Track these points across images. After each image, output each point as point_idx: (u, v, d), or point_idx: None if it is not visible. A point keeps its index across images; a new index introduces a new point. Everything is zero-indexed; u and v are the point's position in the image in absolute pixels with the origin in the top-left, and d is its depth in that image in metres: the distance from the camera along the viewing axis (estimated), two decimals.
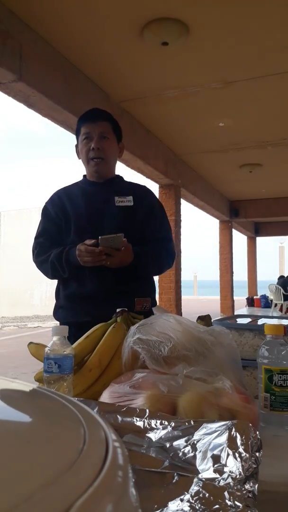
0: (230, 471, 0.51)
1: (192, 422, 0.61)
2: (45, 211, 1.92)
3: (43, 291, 18.11)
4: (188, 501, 0.48)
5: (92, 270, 1.74)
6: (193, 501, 0.48)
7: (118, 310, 1.18)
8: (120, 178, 1.96)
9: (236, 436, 0.55)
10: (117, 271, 1.73)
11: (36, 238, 1.89)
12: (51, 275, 1.85)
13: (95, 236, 1.68)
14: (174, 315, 1.01)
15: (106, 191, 1.85)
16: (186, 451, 0.58)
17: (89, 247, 1.66)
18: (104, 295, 1.73)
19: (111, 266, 1.68)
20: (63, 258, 1.74)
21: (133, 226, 1.80)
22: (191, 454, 0.57)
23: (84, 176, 1.95)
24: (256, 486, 0.50)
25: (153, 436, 0.62)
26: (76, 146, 1.89)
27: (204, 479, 0.51)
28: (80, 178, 1.97)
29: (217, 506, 0.46)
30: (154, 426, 0.63)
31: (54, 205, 1.89)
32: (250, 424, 0.57)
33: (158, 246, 1.84)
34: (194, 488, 0.50)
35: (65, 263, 1.74)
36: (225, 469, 0.52)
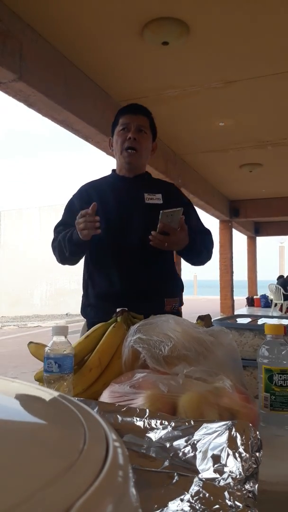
0: (230, 471, 0.51)
1: (192, 422, 0.61)
2: (70, 205, 1.87)
3: (43, 291, 18.11)
4: (188, 501, 0.48)
5: (122, 270, 1.74)
6: (193, 501, 0.48)
7: (118, 310, 1.18)
8: (148, 175, 1.93)
9: (236, 436, 0.55)
10: (148, 271, 1.73)
11: (55, 228, 1.85)
12: (58, 258, 1.80)
13: (123, 233, 1.70)
14: (174, 316, 1.01)
15: (135, 187, 1.82)
16: (186, 451, 0.58)
17: (84, 211, 1.58)
18: (134, 295, 1.70)
19: (168, 248, 1.65)
20: (67, 234, 1.70)
21: None
22: (191, 454, 0.57)
23: (113, 170, 1.91)
24: (256, 486, 0.50)
25: (153, 436, 0.62)
26: (110, 139, 1.89)
27: (204, 479, 0.51)
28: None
29: (217, 506, 0.46)
30: (154, 426, 0.63)
31: (81, 199, 1.84)
32: (250, 424, 0.57)
33: (203, 237, 1.83)
34: (194, 488, 0.50)
35: (67, 239, 1.69)
36: (225, 469, 0.52)
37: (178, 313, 1.78)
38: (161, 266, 1.77)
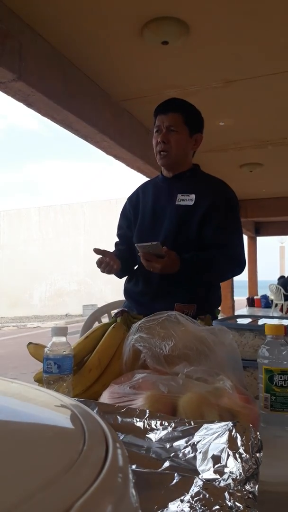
0: (230, 472, 0.51)
1: (192, 423, 0.61)
2: (123, 209, 1.98)
3: (42, 291, 18.11)
4: (188, 501, 0.48)
5: (142, 271, 1.77)
6: (193, 502, 0.47)
7: (118, 310, 1.18)
8: (193, 171, 1.86)
9: (236, 436, 0.55)
10: (163, 274, 1.71)
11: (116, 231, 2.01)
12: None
13: (153, 233, 1.74)
14: (176, 313, 1.01)
15: (172, 188, 1.81)
16: (186, 451, 0.58)
17: (99, 259, 1.72)
18: (150, 296, 1.77)
19: (155, 271, 1.65)
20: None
21: (191, 229, 1.73)
22: (192, 455, 0.57)
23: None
24: (257, 486, 0.50)
25: (153, 436, 0.62)
26: None
27: (204, 480, 0.51)
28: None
29: (217, 506, 0.46)
30: (154, 427, 0.63)
31: (131, 201, 1.93)
32: (251, 425, 0.57)
33: (218, 253, 1.71)
34: (194, 489, 0.49)
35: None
36: (226, 469, 0.52)
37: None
38: (180, 273, 1.70)
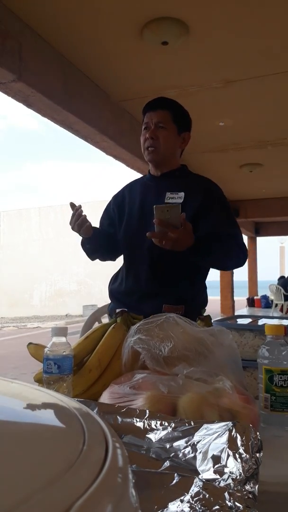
0: (230, 472, 0.51)
1: (192, 423, 0.61)
2: (107, 205, 1.96)
3: (42, 292, 18.11)
4: (188, 502, 0.48)
5: (129, 269, 1.77)
6: (193, 502, 0.47)
7: (118, 310, 1.18)
8: (181, 170, 1.86)
9: (236, 436, 0.55)
10: (152, 272, 1.70)
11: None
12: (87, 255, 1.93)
13: (140, 232, 1.66)
14: (174, 315, 1.01)
15: (160, 186, 1.79)
16: (186, 452, 0.58)
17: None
18: (137, 296, 1.73)
19: (165, 247, 1.48)
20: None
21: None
22: (191, 455, 0.57)
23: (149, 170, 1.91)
24: (257, 487, 0.50)
25: (153, 437, 0.62)
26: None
27: (204, 480, 0.51)
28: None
29: (217, 507, 0.46)
30: (154, 427, 0.63)
31: (116, 200, 1.92)
32: (251, 425, 0.57)
33: (224, 238, 1.66)
34: (194, 489, 0.49)
35: (81, 241, 1.81)
36: (226, 470, 0.52)
37: None
38: (170, 271, 1.69)
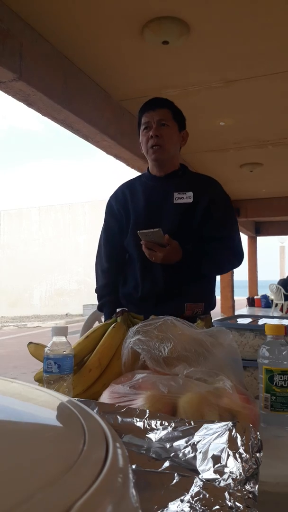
0: (230, 472, 0.51)
1: (192, 423, 0.61)
2: (109, 207, 1.91)
3: (42, 291, 18.11)
4: (189, 501, 0.48)
5: (144, 272, 1.74)
6: (193, 502, 0.47)
7: (118, 310, 1.18)
8: (183, 169, 1.86)
9: (236, 436, 0.55)
10: (168, 273, 1.69)
11: (100, 235, 1.92)
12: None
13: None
14: (173, 317, 1.01)
15: (166, 187, 1.79)
16: (186, 451, 0.58)
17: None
18: (155, 299, 1.72)
19: (156, 261, 1.62)
20: (100, 285, 1.87)
21: (192, 226, 1.72)
22: (192, 455, 0.57)
23: (148, 169, 1.90)
24: (257, 486, 0.50)
25: (153, 436, 0.62)
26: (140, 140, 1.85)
27: (204, 480, 0.51)
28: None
29: (217, 506, 0.46)
30: (154, 427, 0.63)
31: (118, 201, 1.87)
32: (251, 425, 0.57)
33: (218, 245, 1.73)
34: (194, 489, 0.49)
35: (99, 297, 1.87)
36: (226, 469, 0.52)
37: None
38: (186, 269, 1.69)
